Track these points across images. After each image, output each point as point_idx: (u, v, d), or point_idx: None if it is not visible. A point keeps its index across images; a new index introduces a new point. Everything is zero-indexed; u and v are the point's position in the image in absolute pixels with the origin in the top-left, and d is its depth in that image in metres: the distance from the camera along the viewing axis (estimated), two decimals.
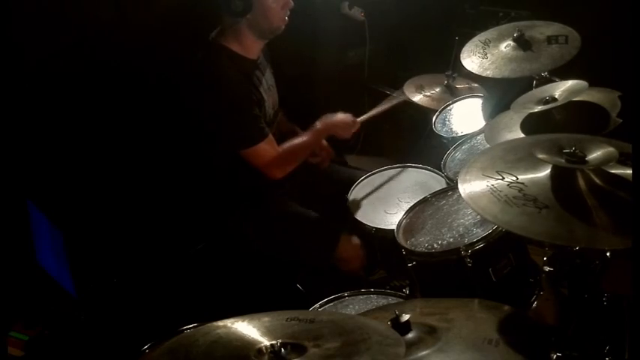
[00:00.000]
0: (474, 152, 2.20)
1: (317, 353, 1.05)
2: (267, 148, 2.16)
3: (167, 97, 2.56)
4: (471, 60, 2.19)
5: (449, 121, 2.46)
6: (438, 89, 2.68)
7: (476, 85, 2.63)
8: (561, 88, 1.83)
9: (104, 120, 2.57)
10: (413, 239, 1.81)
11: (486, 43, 2.23)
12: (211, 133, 2.20)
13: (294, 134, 2.38)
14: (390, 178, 2.36)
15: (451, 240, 1.72)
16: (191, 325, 1.54)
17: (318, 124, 2.32)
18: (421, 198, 1.99)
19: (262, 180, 2.23)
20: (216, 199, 2.38)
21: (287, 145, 2.26)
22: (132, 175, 2.65)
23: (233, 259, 2.38)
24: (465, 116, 2.45)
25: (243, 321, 1.16)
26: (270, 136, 2.19)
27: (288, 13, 2.16)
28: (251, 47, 2.19)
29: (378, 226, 2.08)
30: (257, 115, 2.15)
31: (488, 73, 2.11)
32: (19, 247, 1.94)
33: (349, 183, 2.35)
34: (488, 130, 1.96)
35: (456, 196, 1.91)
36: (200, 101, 2.16)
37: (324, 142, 2.44)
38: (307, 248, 2.25)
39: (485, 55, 2.18)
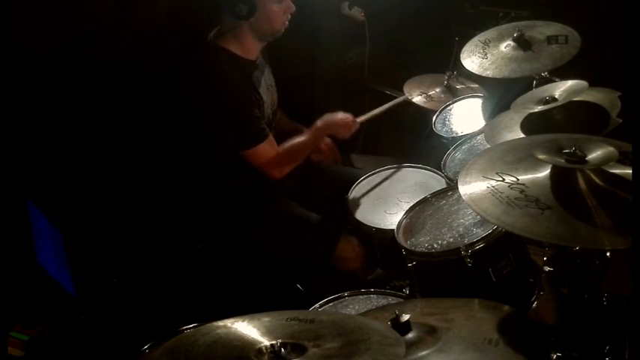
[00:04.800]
0: (474, 152, 2.20)
1: (317, 353, 1.05)
2: (267, 149, 2.17)
3: (167, 97, 2.56)
4: (471, 60, 2.20)
5: (449, 121, 2.46)
6: (438, 89, 2.68)
7: (476, 85, 2.63)
8: (561, 88, 1.83)
9: (104, 120, 2.57)
10: (413, 239, 1.81)
11: (486, 43, 2.23)
12: (211, 134, 2.21)
13: (298, 133, 2.38)
14: (390, 178, 2.36)
15: (451, 240, 1.72)
16: (191, 325, 1.54)
17: (319, 123, 2.32)
18: (421, 198, 1.99)
19: (262, 180, 2.23)
20: (216, 199, 2.38)
21: (287, 144, 2.26)
22: (132, 175, 2.65)
23: (233, 259, 2.38)
24: (465, 116, 2.45)
25: (243, 321, 1.16)
26: (271, 137, 2.19)
27: (289, 17, 2.17)
28: (250, 48, 2.20)
29: (378, 226, 2.08)
30: (257, 116, 2.15)
31: (489, 73, 2.11)
32: (19, 247, 1.94)
33: (349, 183, 2.35)
34: (488, 130, 1.96)
35: (456, 196, 1.91)
36: (200, 103, 2.16)
37: (328, 140, 2.44)
38: (307, 249, 2.25)
39: (485, 55, 2.18)
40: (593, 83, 1.83)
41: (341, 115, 2.36)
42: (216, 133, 2.18)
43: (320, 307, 1.81)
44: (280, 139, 2.27)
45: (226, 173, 2.30)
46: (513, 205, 1.31)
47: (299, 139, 2.30)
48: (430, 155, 2.41)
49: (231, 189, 2.33)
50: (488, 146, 1.86)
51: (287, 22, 2.18)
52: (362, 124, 2.44)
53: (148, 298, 2.37)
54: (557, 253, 1.90)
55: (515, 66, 2.07)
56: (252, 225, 2.28)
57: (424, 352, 1.23)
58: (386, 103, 2.58)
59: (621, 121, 1.76)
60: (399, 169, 2.40)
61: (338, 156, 2.52)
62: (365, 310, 1.76)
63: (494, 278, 1.65)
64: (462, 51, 2.26)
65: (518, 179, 1.39)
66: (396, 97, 2.65)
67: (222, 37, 2.16)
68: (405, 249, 1.77)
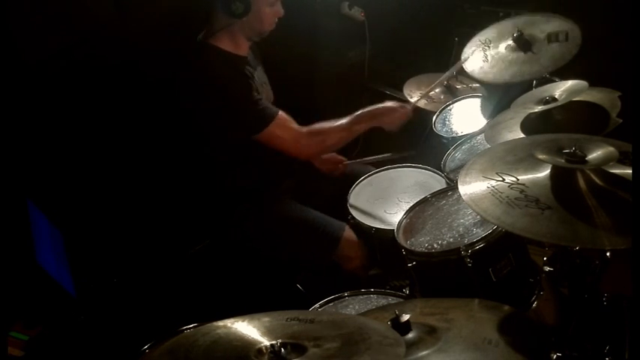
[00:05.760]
0: (474, 152, 2.20)
1: (317, 353, 1.05)
2: (281, 126, 2.12)
3: (167, 96, 2.56)
4: (472, 64, 2.20)
5: (449, 121, 2.46)
6: (437, 89, 2.68)
7: (476, 85, 2.63)
8: (561, 88, 1.83)
9: (104, 120, 2.57)
10: (413, 239, 1.81)
11: (486, 44, 2.23)
12: (215, 131, 2.20)
13: None
14: (390, 178, 2.36)
15: (451, 240, 1.72)
16: (191, 325, 1.55)
17: (362, 110, 2.26)
18: (421, 198, 1.99)
19: (262, 180, 2.23)
20: (217, 199, 2.38)
21: (315, 125, 2.22)
22: (132, 175, 2.65)
23: (233, 259, 2.38)
24: (465, 116, 2.45)
25: (243, 321, 1.16)
26: (281, 113, 2.14)
27: (276, 20, 2.20)
28: (241, 45, 2.22)
29: (378, 226, 2.08)
30: (258, 98, 2.13)
31: (490, 78, 2.12)
32: (19, 247, 1.94)
33: (349, 183, 2.35)
34: (488, 130, 1.96)
35: (456, 196, 1.91)
36: (199, 102, 2.16)
37: (335, 155, 2.41)
38: (308, 248, 2.25)
39: (486, 57, 2.18)
40: (593, 83, 1.83)
41: (389, 104, 2.29)
42: (224, 130, 2.16)
43: (320, 307, 1.81)
44: None
45: (226, 172, 2.30)
46: (513, 205, 1.31)
47: (334, 121, 2.23)
48: (430, 155, 2.41)
49: (232, 188, 2.33)
50: (489, 146, 1.86)
51: (274, 25, 2.21)
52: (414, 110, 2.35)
53: (148, 299, 2.37)
54: (557, 253, 1.91)
55: (515, 69, 2.08)
56: (253, 224, 2.28)
57: (424, 352, 1.23)
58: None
59: (621, 121, 1.76)
60: (399, 169, 2.40)
61: (341, 166, 2.49)
62: (365, 310, 1.76)
63: (494, 278, 1.65)
64: (463, 52, 2.26)
65: (518, 179, 1.39)
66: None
67: (212, 35, 2.17)
68: (405, 249, 1.77)
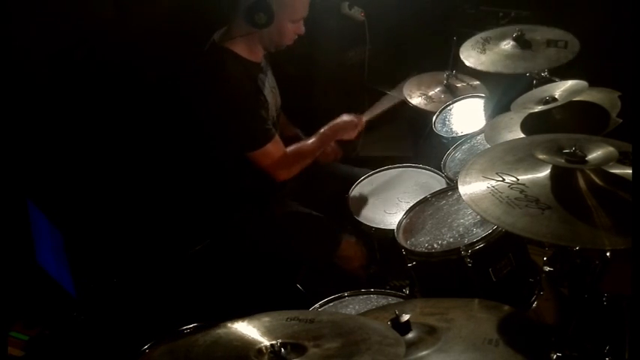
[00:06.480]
0: (474, 152, 2.20)
1: (317, 353, 1.05)
2: (273, 150, 2.17)
3: (168, 97, 2.56)
4: (469, 54, 2.22)
5: (449, 121, 2.46)
6: (437, 89, 2.68)
7: (476, 82, 2.63)
8: (561, 88, 1.84)
9: (105, 120, 2.57)
10: (413, 239, 1.81)
11: (487, 41, 2.25)
12: (217, 136, 2.21)
13: (297, 139, 2.39)
14: (390, 178, 2.36)
15: (451, 240, 1.72)
16: (191, 325, 1.55)
17: (325, 128, 2.32)
18: (421, 198, 1.99)
19: (264, 180, 2.23)
20: (218, 199, 2.37)
21: (294, 147, 2.27)
22: (132, 175, 2.65)
23: (234, 259, 2.38)
24: (465, 116, 2.45)
25: (243, 321, 1.16)
26: (277, 137, 2.19)
27: (296, 37, 2.20)
28: (257, 53, 2.22)
29: (378, 226, 2.08)
30: (263, 117, 2.16)
31: (483, 66, 2.13)
32: (19, 247, 1.94)
33: (349, 182, 2.36)
34: (488, 130, 1.96)
35: (456, 196, 1.91)
36: (206, 104, 2.16)
37: (332, 144, 2.45)
38: (309, 248, 2.25)
39: (484, 50, 2.20)
40: (593, 83, 1.83)
41: (345, 117, 2.36)
42: (222, 135, 2.18)
43: (320, 307, 1.81)
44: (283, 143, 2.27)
45: (229, 173, 2.30)
46: (513, 205, 1.31)
47: (306, 142, 2.31)
48: (430, 155, 2.41)
49: (234, 189, 2.33)
50: (488, 146, 1.86)
51: (293, 41, 2.22)
52: (367, 122, 2.42)
53: (148, 299, 2.37)
54: (557, 253, 1.90)
55: (509, 62, 2.09)
56: (255, 225, 2.28)
57: (424, 352, 1.23)
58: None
59: (621, 121, 1.76)
60: (399, 169, 2.40)
61: (339, 152, 2.52)
62: (365, 310, 1.76)
63: (494, 278, 1.65)
64: (463, 45, 2.27)
65: (518, 179, 1.39)
66: (395, 96, 2.64)
67: (230, 39, 2.17)
68: (405, 249, 1.77)
